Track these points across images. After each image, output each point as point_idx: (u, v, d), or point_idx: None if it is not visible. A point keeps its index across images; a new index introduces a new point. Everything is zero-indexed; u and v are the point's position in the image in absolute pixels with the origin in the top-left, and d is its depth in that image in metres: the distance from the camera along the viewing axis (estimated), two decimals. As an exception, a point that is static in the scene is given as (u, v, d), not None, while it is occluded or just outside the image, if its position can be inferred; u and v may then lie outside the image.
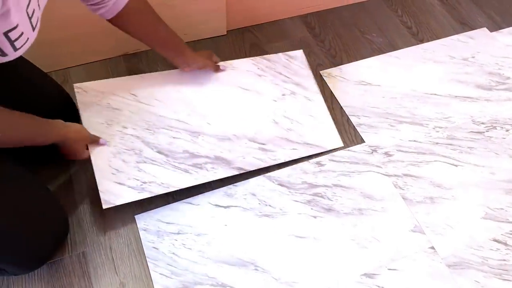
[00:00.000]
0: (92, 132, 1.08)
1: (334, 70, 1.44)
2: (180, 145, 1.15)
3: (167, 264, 1.04)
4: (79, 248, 1.06)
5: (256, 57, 1.37)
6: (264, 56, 1.38)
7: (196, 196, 1.14)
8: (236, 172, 1.15)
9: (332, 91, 1.38)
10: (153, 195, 1.07)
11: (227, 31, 1.52)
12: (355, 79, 1.42)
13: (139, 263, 1.05)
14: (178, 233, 1.08)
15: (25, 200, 0.91)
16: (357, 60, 1.48)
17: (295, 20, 1.58)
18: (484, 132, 1.33)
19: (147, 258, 1.05)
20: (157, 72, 1.28)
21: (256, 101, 1.28)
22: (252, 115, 1.25)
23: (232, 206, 1.14)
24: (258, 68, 1.35)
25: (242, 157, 1.17)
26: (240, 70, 1.33)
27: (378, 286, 1.04)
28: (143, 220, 1.10)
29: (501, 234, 1.14)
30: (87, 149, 1.07)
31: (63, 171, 1.17)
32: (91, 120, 1.13)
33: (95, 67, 1.39)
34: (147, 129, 1.15)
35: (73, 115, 1.15)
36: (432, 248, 1.10)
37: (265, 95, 1.30)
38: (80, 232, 1.08)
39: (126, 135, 1.13)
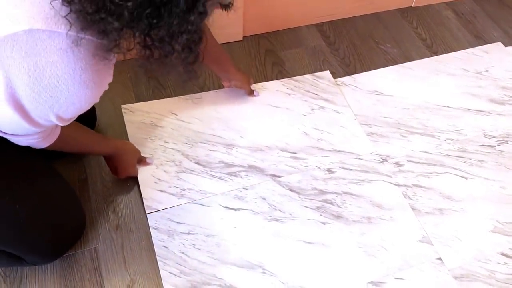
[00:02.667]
0: (137, 146, 1.19)
1: (347, 79, 1.46)
2: (216, 156, 1.23)
3: (177, 263, 1.06)
4: (91, 244, 1.08)
5: (284, 79, 1.44)
6: (292, 77, 1.44)
7: (207, 198, 1.16)
8: (269, 179, 1.20)
9: (345, 99, 1.40)
10: (191, 201, 1.14)
11: (243, 37, 1.54)
12: (368, 89, 1.44)
13: (149, 261, 1.07)
14: (189, 233, 1.10)
15: (50, 194, 0.95)
16: (370, 70, 1.49)
17: (310, 28, 1.60)
18: (495, 146, 1.33)
19: (157, 257, 1.06)
20: (195, 94, 1.36)
21: (286, 116, 1.34)
22: (283, 128, 1.31)
23: (242, 209, 1.15)
24: (287, 88, 1.41)
25: (274, 165, 1.23)
26: (270, 90, 1.40)
27: (384, 295, 1.05)
28: (155, 219, 1.12)
29: (509, 248, 1.14)
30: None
31: (79, 168, 1.19)
32: (137, 136, 1.24)
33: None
34: (186, 143, 1.25)
35: (91, 120, 1.22)
36: (440, 259, 1.11)
37: (294, 110, 1.35)
38: (92, 228, 1.10)
39: (167, 148, 1.23)
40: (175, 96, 1.35)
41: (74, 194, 1.04)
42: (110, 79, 0.76)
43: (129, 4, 0.56)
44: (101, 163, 1.19)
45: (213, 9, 0.65)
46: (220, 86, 1.38)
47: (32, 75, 0.65)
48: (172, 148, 1.23)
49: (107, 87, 0.76)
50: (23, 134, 0.78)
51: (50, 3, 0.61)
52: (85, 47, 0.65)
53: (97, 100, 0.77)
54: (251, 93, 1.36)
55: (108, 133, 1.27)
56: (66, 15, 0.61)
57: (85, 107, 0.75)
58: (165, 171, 1.19)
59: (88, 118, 1.19)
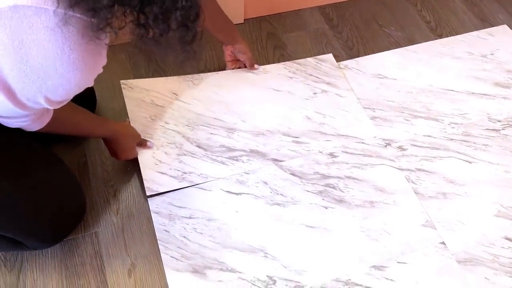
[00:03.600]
0: (137, 125, 1.17)
1: (350, 62, 1.43)
2: (217, 140, 1.21)
3: (178, 247, 1.05)
4: (92, 228, 1.08)
5: (286, 62, 1.41)
6: (294, 60, 1.41)
7: (208, 182, 1.15)
8: (271, 163, 1.18)
9: (348, 83, 1.38)
10: (192, 184, 1.13)
11: (244, 19, 1.52)
12: (371, 72, 1.42)
13: (150, 245, 1.06)
14: (190, 217, 1.09)
15: (50, 178, 0.94)
16: (374, 53, 1.47)
17: (313, 10, 1.58)
18: (500, 130, 1.31)
19: (158, 241, 1.06)
20: (196, 74, 1.34)
21: (288, 99, 1.32)
22: (285, 112, 1.29)
23: (244, 193, 1.14)
24: (289, 71, 1.38)
25: (276, 149, 1.21)
26: (271, 73, 1.37)
27: (387, 279, 1.04)
28: (156, 203, 1.11)
29: (513, 233, 1.13)
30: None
31: (79, 152, 1.18)
32: (136, 114, 1.22)
33: (112, 50, 1.40)
34: (187, 125, 1.23)
35: (91, 102, 1.20)
36: (443, 243, 1.10)
37: (296, 94, 1.33)
38: (93, 212, 1.10)
39: (168, 130, 1.21)
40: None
41: (74, 178, 1.03)
42: (103, 61, 0.73)
43: None
44: (101, 147, 1.18)
45: None
46: (221, 69, 1.36)
47: (18, 53, 0.63)
48: (173, 130, 1.21)
49: (101, 70, 0.74)
50: (11, 116, 0.76)
51: None
52: (74, 26, 0.62)
53: (90, 84, 0.74)
54: (252, 66, 1.34)
55: (108, 115, 1.25)
56: None
57: (76, 90, 0.72)
58: (166, 153, 1.17)
59: (87, 100, 1.17)
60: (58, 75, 0.66)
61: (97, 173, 1.16)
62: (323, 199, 1.15)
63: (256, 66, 1.36)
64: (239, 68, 1.36)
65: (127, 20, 0.60)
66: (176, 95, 1.28)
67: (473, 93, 1.39)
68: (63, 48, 0.63)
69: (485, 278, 1.06)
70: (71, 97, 0.76)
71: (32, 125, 0.81)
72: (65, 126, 0.94)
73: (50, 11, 0.60)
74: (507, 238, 1.12)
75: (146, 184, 1.11)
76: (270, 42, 1.47)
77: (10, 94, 0.68)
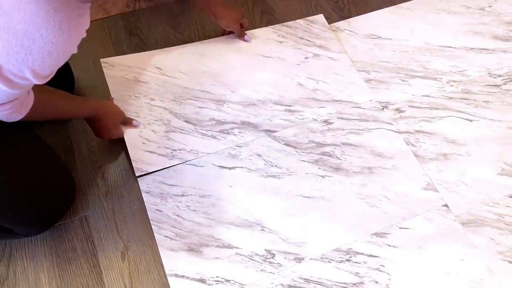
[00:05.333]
0: (121, 104, 1.12)
1: (342, 24, 1.37)
2: (206, 114, 1.16)
3: (172, 226, 1.01)
4: (81, 212, 1.04)
5: (275, 25, 1.34)
6: (283, 23, 1.34)
7: (199, 158, 1.10)
8: (263, 135, 1.14)
9: (341, 45, 1.31)
10: (183, 161, 1.09)
11: (228, -15, 1.44)
12: (364, 33, 1.35)
13: (142, 226, 1.02)
14: (182, 195, 1.05)
15: (37, 162, 0.90)
16: (366, 13, 1.40)
17: (300, -29, 1.49)
18: (501, 85, 1.26)
19: (151, 221, 1.02)
20: (179, 46, 1.27)
21: (278, 66, 1.26)
22: (276, 80, 1.23)
23: (237, 167, 1.10)
24: (279, 35, 1.31)
25: (268, 120, 1.16)
26: (260, 39, 1.30)
27: (390, 245, 1.01)
28: (146, 182, 1.07)
29: (518, 191, 1.09)
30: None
31: (63, 134, 1.13)
32: (120, 93, 1.16)
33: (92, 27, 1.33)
34: (174, 100, 1.17)
35: (68, 83, 1.14)
36: (446, 206, 1.06)
37: (287, 60, 1.27)
38: (81, 196, 1.06)
39: (154, 106, 1.16)
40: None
41: (61, 161, 0.99)
42: (87, 23, 0.68)
43: None
44: (86, 127, 1.12)
45: None
46: (207, 37, 1.30)
47: None
48: (159, 106, 1.16)
49: (84, 34, 0.69)
50: None
51: None
52: None
53: (75, 50, 0.69)
54: (241, 35, 1.27)
55: (90, 95, 1.19)
56: None
57: (63, 58, 0.68)
58: (153, 131, 1.12)
59: (64, 82, 1.11)
60: (44, 41, 0.62)
61: (83, 155, 1.11)
62: (319, 168, 1.10)
63: (246, 37, 1.28)
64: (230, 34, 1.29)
65: None
66: (160, 69, 1.22)
67: (471, 48, 1.33)
68: (47, 10, 0.59)
69: (490, 238, 1.02)
70: (57, 69, 0.71)
71: (14, 114, 0.76)
72: (45, 111, 0.89)
73: None
74: (511, 196, 1.08)
75: (134, 164, 1.07)
76: (257, 7, 1.40)
77: None
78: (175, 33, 1.30)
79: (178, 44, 1.28)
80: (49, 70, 0.68)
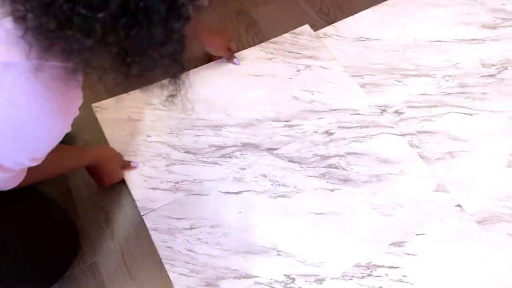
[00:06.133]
0: (118, 145, 1.09)
1: (329, 29, 1.34)
2: (205, 141, 1.14)
3: (185, 262, 0.98)
4: (89, 259, 1.00)
5: (262, 43, 1.31)
6: (270, 40, 1.32)
7: (204, 187, 1.07)
8: (266, 154, 1.11)
9: (330, 52, 1.29)
10: (188, 193, 1.06)
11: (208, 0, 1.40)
12: (352, 36, 1.33)
13: (155, 265, 0.99)
14: (191, 228, 1.02)
15: (36, 214, 0.85)
16: (352, 15, 1.38)
17: (279, -21, 1.47)
18: (495, 74, 1.25)
19: (162, 260, 0.98)
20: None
21: (271, 83, 1.23)
22: (270, 97, 1.21)
23: (243, 191, 1.07)
24: (267, 53, 1.29)
25: (269, 138, 1.14)
26: (249, 59, 1.28)
27: (409, 254, 0.99)
28: (152, 219, 1.03)
29: (528, 181, 1.08)
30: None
31: (59, 178, 1.08)
32: (115, 134, 1.13)
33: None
34: (170, 133, 1.14)
35: None
36: (459, 205, 1.05)
37: (279, 75, 1.25)
38: (87, 241, 1.01)
39: (151, 142, 1.13)
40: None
41: (61, 209, 0.94)
42: (79, 102, 0.65)
43: (100, 15, 0.45)
44: (82, 169, 1.08)
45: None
46: (195, 66, 1.26)
47: None
48: (156, 141, 1.13)
49: (77, 113, 0.65)
50: None
51: None
52: (48, 73, 0.54)
53: (69, 129, 0.65)
54: (231, 58, 1.24)
55: (84, 138, 1.14)
56: (23, 35, 0.49)
57: (58, 141, 0.64)
58: (153, 167, 1.09)
59: None
60: (37, 131, 0.59)
61: (83, 197, 1.07)
62: (327, 182, 1.08)
63: (236, 60, 1.25)
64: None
65: (110, 58, 0.51)
66: (153, 104, 1.19)
67: (461, 40, 1.32)
68: (36, 100, 0.55)
69: (507, 234, 1.01)
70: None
71: (8, 183, 0.71)
72: (43, 172, 0.82)
73: (19, 65, 0.52)
74: (522, 188, 1.07)
75: (138, 204, 1.04)
76: (241, 21, 1.37)
77: None
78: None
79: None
80: (44, 152, 0.65)
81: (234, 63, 1.24)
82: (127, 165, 1.07)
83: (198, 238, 1.01)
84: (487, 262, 0.98)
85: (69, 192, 1.07)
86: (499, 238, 1.01)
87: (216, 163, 1.10)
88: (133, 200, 1.05)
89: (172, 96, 0.59)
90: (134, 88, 0.59)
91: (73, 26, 0.47)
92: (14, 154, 0.61)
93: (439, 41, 1.32)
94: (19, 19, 0.49)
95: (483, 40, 1.32)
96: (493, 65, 1.27)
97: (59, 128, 0.62)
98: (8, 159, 0.62)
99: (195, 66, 1.26)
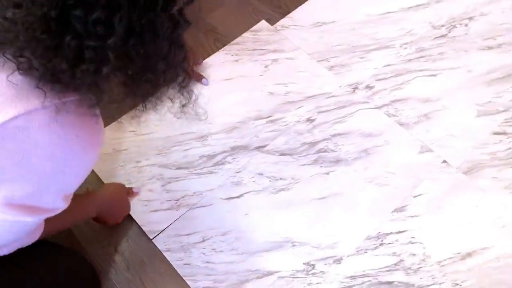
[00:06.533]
0: (111, 178, 1.08)
1: (285, 21, 1.38)
2: (194, 153, 1.14)
3: (206, 275, 0.99)
4: (110, 294, 0.99)
5: (225, 47, 1.32)
6: (231, 42, 1.33)
7: (205, 198, 1.08)
8: (257, 152, 1.13)
9: (292, 42, 1.33)
10: (191, 207, 1.07)
11: (161, 15, 1.40)
12: (309, 23, 1.37)
13: (177, 285, 0.99)
14: (203, 240, 1.03)
15: (57, 268, 0.83)
16: (303, 3, 1.42)
17: (225, -19, 1.48)
18: (447, 34, 1.33)
19: (183, 277, 0.99)
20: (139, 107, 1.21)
21: (243, 84, 1.25)
22: (246, 97, 1.23)
23: (244, 193, 1.09)
24: (232, 55, 1.30)
25: (255, 136, 1.16)
26: (216, 65, 1.29)
27: (412, 216, 1.05)
28: (163, 241, 1.03)
29: (498, 126, 1.17)
30: None
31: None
32: (105, 169, 1.12)
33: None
34: (159, 154, 1.14)
35: None
36: (445, 161, 1.12)
37: (249, 75, 1.26)
38: (103, 278, 1.00)
39: (142, 167, 1.12)
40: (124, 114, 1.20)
41: (77, 254, 0.93)
42: (103, 130, 0.64)
43: (110, 41, 0.45)
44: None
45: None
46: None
47: (24, 171, 0.54)
48: (147, 165, 1.12)
49: (104, 142, 0.64)
50: (15, 239, 0.66)
51: (8, 79, 0.48)
52: (69, 110, 0.53)
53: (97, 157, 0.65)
54: (198, 80, 1.24)
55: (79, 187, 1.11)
56: (37, 84, 0.49)
57: (89, 172, 0.64)
58: (150, 190, 1.08)
59: None
60: (73, 167, 0.58)
61: (87, 236, 1.05)
62: (321, 167, 1.12)
63: (203, 81, 1.24)
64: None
65: (119, 80, 0.51)
66: (134, 131, 1.17)
67: (408, 8, 1.39)
68: (66, 139, 0.55)
69: (493, 177, 1.10)
70: None
71: (31, 237, 0.69)
72: (57, 225, 0.80)
73: (40, 109, 0.51)
74: (495, 133, 1.16)
75: (144, 228, 1.04)
76: (199, 28, 1.37)
77: (29, 210, 0.59)
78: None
79: (135, 102, 1.22)
80: (75, 189, 0.64)
81: (202, 83, 1.24)
82: (130, 192, 1.06)
83: (212, 249, 1.02)
84: (482, 207, 1.05)
85: (71, 234, 1.05)
86: (486, 183, 1.09)
87: (211, 172, 1.11)
88: (139, 226, 1.04)
89: (184, 105, 0.60)
90: (147, 107, 0.59)
91: (85, 60, 0.47)
92: (50, 197, 0.60)
93: (389, 12, 1.38)
94: (28, 70, 0.49)
95: (428, 3, 1.40)
96: (442, 25, 1.35)
97: (93, 159, 0.61)
98: (44, 202, 0.61)
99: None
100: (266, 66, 1.28)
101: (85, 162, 0.60)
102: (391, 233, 1.03)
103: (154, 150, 1.14)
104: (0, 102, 0.51)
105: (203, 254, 1.01)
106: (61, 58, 0.47)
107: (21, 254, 0.76)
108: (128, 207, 1.03)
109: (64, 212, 0.78)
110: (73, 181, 0.61)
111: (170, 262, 1.01)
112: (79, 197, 0.92)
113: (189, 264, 1.00)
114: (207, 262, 1.01)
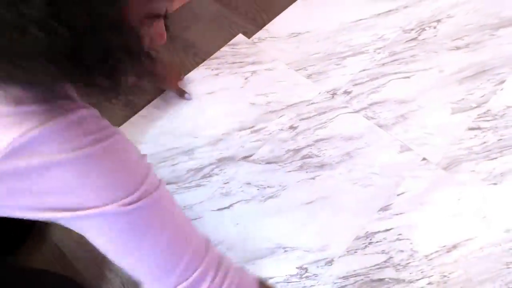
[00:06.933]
0: None
1: (262, 33, 1.41)
2: (182, 168, 1.16)
3: (202, 286, 1.00)
4: (107, 314, 0.99)
5: (205, 62, 1.35)
6: (211, 57, 1.37)
7: (194, 210, 1.09)
8: (243, 162, 1.16)
9: (270, 54, 1.36)
10: None
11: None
12: (285, 34, 1.41)
13: (173, 299, 1.00)
14: (197, 253, 1.04)
15: None
16: (277, 15, 1.46)
17: (200, -2, 1.52)
18: (417, 37, 1.39)
19: (179, 291, 1.00)
20: (125, 122, 1.25)
21: (225, 96, 1.28)
22: (229, 109, 1.25)
23: (233, 203, 1.11)
24: (212, 69, 1.33)
25: (241, 147, 1.18)
26: (197, 80, 1.31)
27: (397, 214, 1.09)
28: (156, 257, 1.04)
29: (472, 121, 1.22)
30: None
31: (49, 247, 1.06)
32: None
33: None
34: None
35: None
36: (424, 159, 1.16)
37: (230, 87, 1.29)
38: (98, 298, 1.00)
39: None
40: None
41: (74, 282, 0.93)
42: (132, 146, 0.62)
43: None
44: (71, 233, 1.06)
45: None
46: (148, 101, 1.28)
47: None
48: None
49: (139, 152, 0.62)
50: None
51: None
52: (75, 128, 0.52)
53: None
54: (181, 95, 1.27)
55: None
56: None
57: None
58: None
59: None
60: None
61: (80, 258, 1.05)
62: (306, 172, 1.15)
63: (186, 96, 1.26)
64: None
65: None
66: None
67: (378, 14, 1.45)
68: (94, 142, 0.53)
69: (471, 171, 1.14)
70: None
71: None
72: None
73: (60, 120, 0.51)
74: (469, 128, 1.21)
75: None
76: (177, 44, 1.40)
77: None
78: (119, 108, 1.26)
79: (117, 123, 1.24)
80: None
81: (185, 99, 1.27)
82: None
83: (206, 260, 1.03)
84: (463, 201, 1.10)
85: (64, 257, 1.05)
86: (465, 177, 1.13)
87: (199, 185, 1.13)
88: (131, 244, 1.05)
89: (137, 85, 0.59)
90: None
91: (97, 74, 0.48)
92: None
93: (361, 19, 1.43)
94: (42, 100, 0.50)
95: (396, 9, 1.45)
96: (412, 29, 1.40)
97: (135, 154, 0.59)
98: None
99: (149, 101, 1.28)
100: (246, 78, 1.31)
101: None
102: (378, 231, 1.07)
103: (142, 168, 1.15)
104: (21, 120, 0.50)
105: (197, 266, 1.03)
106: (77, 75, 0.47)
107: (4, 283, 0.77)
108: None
109: None
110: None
111: (165, 276, 1.01)
112: None
113: (184, 277, 1.01)
114: (202, 274, 1.02)
